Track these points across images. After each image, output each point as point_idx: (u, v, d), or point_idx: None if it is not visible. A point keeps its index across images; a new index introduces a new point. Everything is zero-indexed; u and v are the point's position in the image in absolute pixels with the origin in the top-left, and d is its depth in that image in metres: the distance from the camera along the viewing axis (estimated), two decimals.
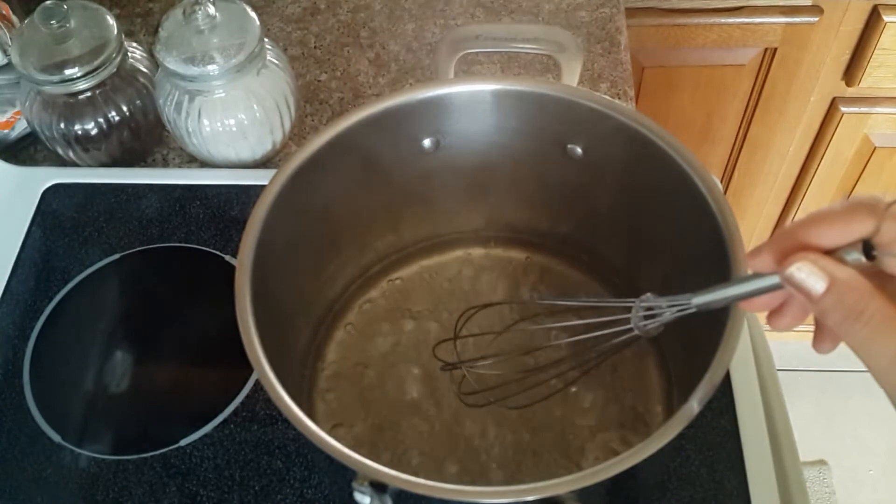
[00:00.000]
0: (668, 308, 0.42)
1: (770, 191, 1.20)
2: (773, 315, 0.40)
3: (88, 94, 0.66)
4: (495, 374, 0.53)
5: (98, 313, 0.64)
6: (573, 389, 0.56)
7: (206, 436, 0.57)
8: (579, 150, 0.56)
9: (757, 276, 0.38)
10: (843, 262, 0.34)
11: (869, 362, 0.33)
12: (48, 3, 0.64)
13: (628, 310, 0.44)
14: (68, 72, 0.64)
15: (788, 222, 1.22)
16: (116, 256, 0.66)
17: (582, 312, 0.56)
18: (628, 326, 0.44)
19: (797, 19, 0.97)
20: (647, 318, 0.43)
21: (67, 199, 0.69)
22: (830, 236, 0.34)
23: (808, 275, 0.34)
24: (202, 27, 0.63)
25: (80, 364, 0.61)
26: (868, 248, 0.34)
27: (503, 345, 0.57)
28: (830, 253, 0.35)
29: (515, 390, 0.52)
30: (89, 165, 0.71)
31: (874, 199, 0.34)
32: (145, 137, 0.71)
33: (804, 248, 0.35)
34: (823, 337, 0.39)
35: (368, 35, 0.81)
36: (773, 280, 0.37)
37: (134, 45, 0.70)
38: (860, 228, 0.34)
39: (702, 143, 1.12)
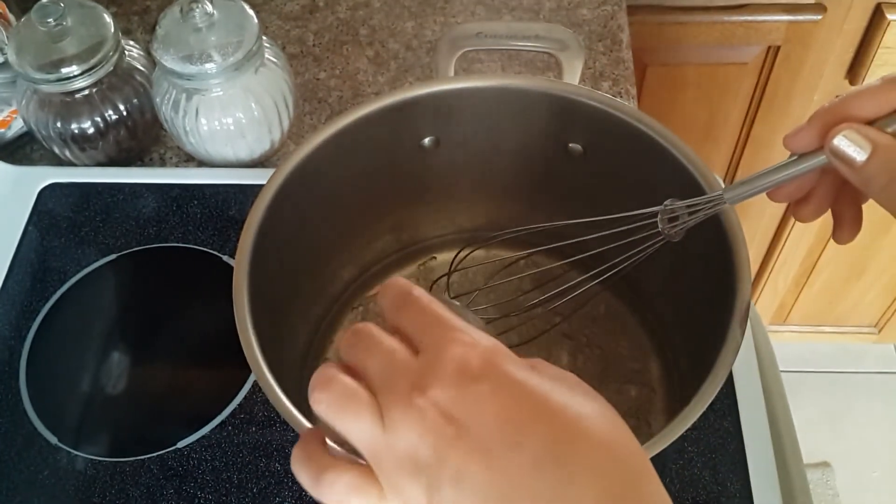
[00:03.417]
0: (691, 208, 0.42)
1: None
2: (799, 205, 0.42)
3: (85, 92, 0.65)
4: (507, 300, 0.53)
5: (95, 314, 0.63)
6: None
7: (203, 438, 0.56)
8: (580, 149, 0.55)
9: (791, 161, 0.39)
10: (882, 130, 0.36)
11: None
12: (45, 0, 0.63)
13: (653, 216, 0.44)
14: (65, 70, 0.63)
15: (790, 222, 1.22)
16: (113, 256, 0.65)
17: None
18: (655, 231, 0.44)
19: (800, 17, 0.96)
20: (671, 220, 0.43)
21: (64, 199, 0.68)
22: (869, 107, 0.36)
23: (851, 143, 0.36)
24: (200, 25, 0.62)
25: (76, 365, 0.60)
26: None
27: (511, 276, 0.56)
28: (870, 124, 0.36)
29: (523, 320, 0.51)
30: (86, 165, 0.71)
31: None
32: (142, 136, 0.71)
33: (845, 121, 0.36)
34: (843, 226, 0.41)
35: (368, 33, 0.81)
36: (812, 160, 0.38)
37: (131, 43, 0.70)
38: None
39: (704, 141, 1.12)
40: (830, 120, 0.37)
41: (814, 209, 0.42)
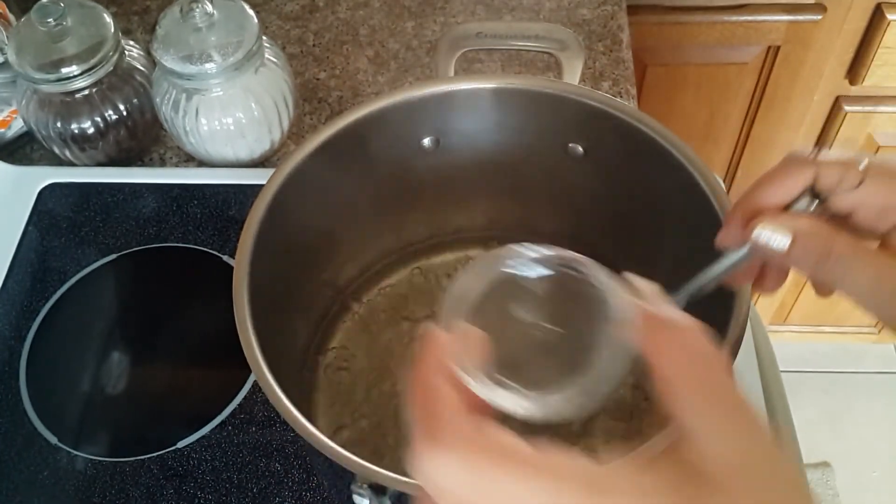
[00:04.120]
0: None
1: None
2: (757, 282, 0.41)
3: (85, 92, 0.65)
4: None
5: (95, 314, 0.63)
6: None
7: (203, 438, 0.56)
8: (581, 150, 0.55)
9: (728, 253, 0.39)
10: (799, 214, 0.37)
11: (851, 293, 0.35)
12: (45, 0, 0.63)
13: None
14: (65, 70, 0.63)
15: None
16: (113, 256, 0.65)
17: None
18: None
19: (800, 17, 0.96)
20: None
21: (64, 199, 0.68)
22: (777, 194, 0.37)
23: (771, 234, 0.36)
24: (200, 25, 0.62)
25: (76, 365, 0.60)
26: (815, 195, 0.36)
27: None
28: (786, 209, 0.37)
29: None
30: (86, 165, 0.70)
31: (803, 152, 0.37)
32: (142, 136, 0.71)
33: (760, 212, 0.37)
34: (819, 285, 0.41)
35: (368, 33, 0.81)
36: (743, 252, 0.38)
37: (131, 43, 0.70)
38: (802, 179, 0.36)
39: (704, 141, 1.12)
40: (747, 213, 0.37)
41: (774, 281, 0.41)
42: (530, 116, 0.55)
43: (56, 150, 0.69)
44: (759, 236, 0.36)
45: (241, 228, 0.48)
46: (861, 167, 0.35)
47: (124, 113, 0.68)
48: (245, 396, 0.58)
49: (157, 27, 0.63)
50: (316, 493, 0.54)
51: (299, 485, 0.54)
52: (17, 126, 0.72)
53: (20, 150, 0.74)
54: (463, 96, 0.54)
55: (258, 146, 0.69)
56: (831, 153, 0.36)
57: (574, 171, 0.56)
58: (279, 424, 0.56)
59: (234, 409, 0.57)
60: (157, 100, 0.67)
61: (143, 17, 0.83)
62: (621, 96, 0.75)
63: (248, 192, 0.67)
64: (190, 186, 0.68)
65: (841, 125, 1.06)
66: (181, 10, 0.62)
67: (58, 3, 0.63)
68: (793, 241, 0.35)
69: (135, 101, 0.68)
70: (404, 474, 0.40)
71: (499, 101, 0.54)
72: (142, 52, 0.70)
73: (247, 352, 0.44)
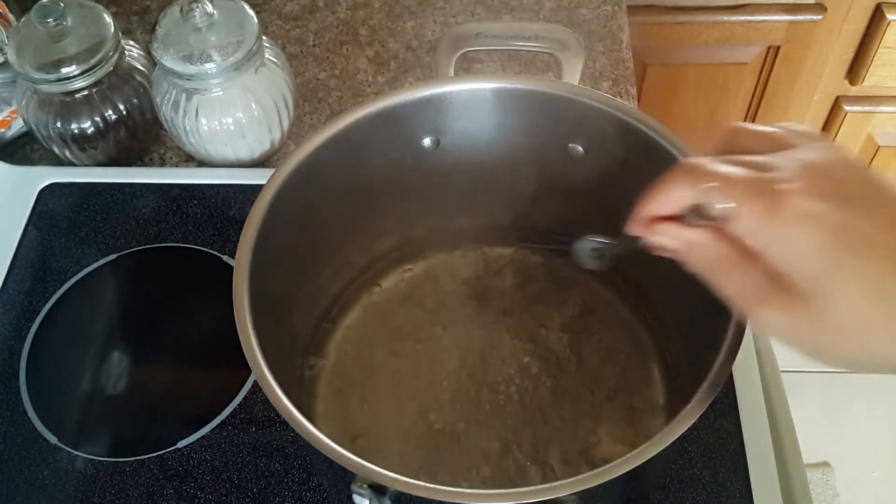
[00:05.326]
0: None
1: None
2: None
3: (85, 92, 0.65)
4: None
5: (95, 314, 0.63)
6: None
7: (203, 438, 0.56)
8: (581, 150, 0.55)
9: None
10: (688, 225, 0.37)
11: (724, 297, 0.37)
12: (45, 1, 0.63)
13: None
14: (65, 70, 0.63)
15: None
16: (113, 256, 0.65)
17: None
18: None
19: (800, 17, 0.96)
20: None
21: (64, 199, 0.68)
22: (664, 207, 0.38)
23: (664, 241, 0.38)
24: (200, 25, 0.62)
25: (76, 365, 0.60)
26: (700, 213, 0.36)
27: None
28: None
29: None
30: (86, 165, 0.71)
31: (694, 168, 0.36)
32: (142, 136, 0.71)
33: (656, 219, 0.38)
34: None
35: (368, 33, 0.81)
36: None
37: (131, 43, 0.70)
38: (682, 199, 0.37)
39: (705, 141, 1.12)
40: (646, 216, 0.39)
41: None
42: (530, 116, 0.55)
43: (56, 150, 0.69)
44: (655, 243, 0.38)
45: (241, 228, 0.48)
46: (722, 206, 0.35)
47: (124, 113, 0.68)
48: (245, 396, 0.58)
49: (157, 27, 0.63)
50: (316, 493, 0.54)
51: (299, 485, 0.54)
52: (17, 126, 0.72)
53: (20, 150, 0.74)
54: (463, 97, 0.54)
55: (258, 146, 0.69)
56: (726, 166, 0.36)
57: (574, 171, 0.56)
58: (279, 424, 0.56)
59: (234, 409, 0.57)
60: (157, 100, 0.67)
61: (142, 16, 0.83)
62: (621, 96, 0.75)
63: (248, 192, 0.67)
64: (190, 186, 0.68)
65: (841, 125, 1.06)
66: (181, 10, 0.63)
67: (58, 3, 0.63)
68: (685, 250, 0.37)
69: (135, 101, 0.68)
70: (404, 474, 0.40)
71: (499, 102, 0.54)
72: (142, 52, 0.70)
73: (247, 352, 0.44)
